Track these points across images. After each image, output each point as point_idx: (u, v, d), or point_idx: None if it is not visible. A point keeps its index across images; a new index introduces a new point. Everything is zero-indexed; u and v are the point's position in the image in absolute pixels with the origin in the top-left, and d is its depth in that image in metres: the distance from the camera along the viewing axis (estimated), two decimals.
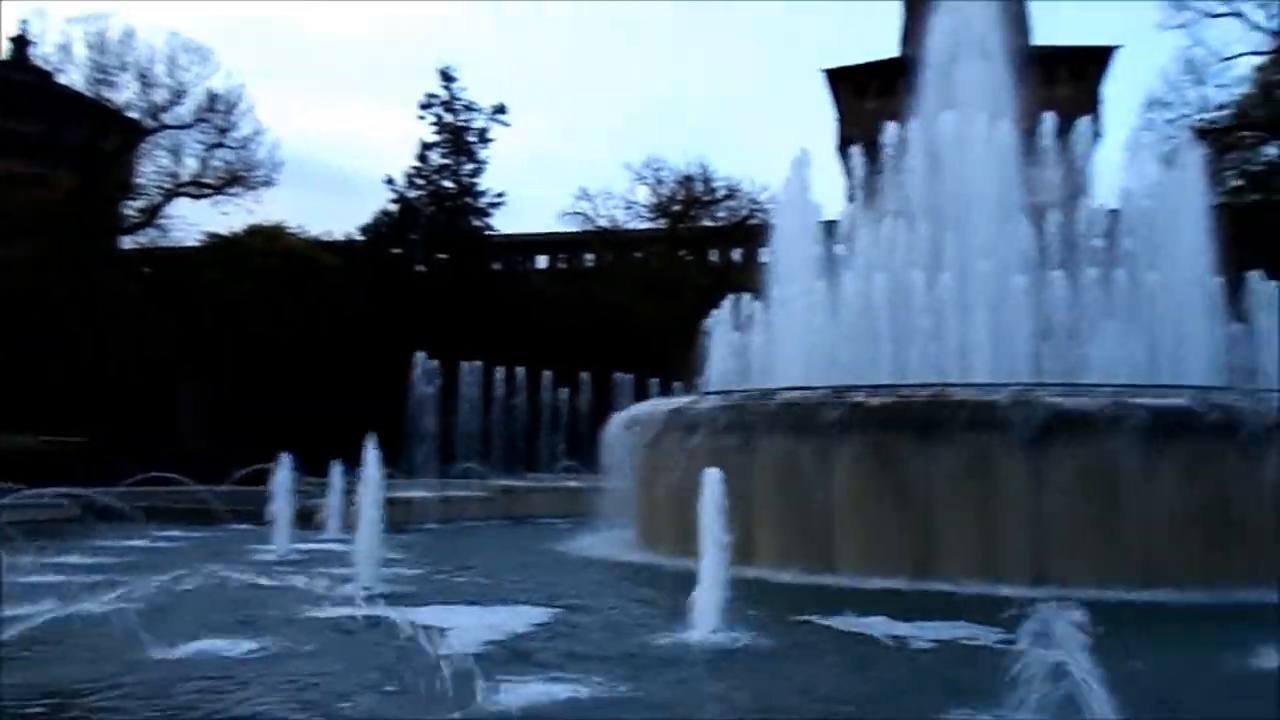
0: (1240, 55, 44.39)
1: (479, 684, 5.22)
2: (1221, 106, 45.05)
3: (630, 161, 55.85)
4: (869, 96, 52.46)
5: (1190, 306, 15.38)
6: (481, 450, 27.54)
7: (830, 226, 19.04)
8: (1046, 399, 10.59)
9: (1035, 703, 4.01)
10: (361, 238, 47.67)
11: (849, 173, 20.24)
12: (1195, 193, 16.82)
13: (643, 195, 53.72)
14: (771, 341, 16.89)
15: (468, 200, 47.66)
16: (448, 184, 47.60)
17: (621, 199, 53.64)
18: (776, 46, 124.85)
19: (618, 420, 15.28)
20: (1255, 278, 16.09)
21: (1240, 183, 45.52)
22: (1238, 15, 43.15)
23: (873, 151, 18.42)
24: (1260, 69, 45.02)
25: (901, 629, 7.81)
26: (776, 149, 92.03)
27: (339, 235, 48.63)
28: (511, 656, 6.70)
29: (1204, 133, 44.14)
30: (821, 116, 55.99)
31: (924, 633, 7.68)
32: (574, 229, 54.43)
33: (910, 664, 6.90)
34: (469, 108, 47.30)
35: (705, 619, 7.34)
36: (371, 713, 5.43)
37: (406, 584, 10.42)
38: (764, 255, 20.16)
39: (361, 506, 10.88)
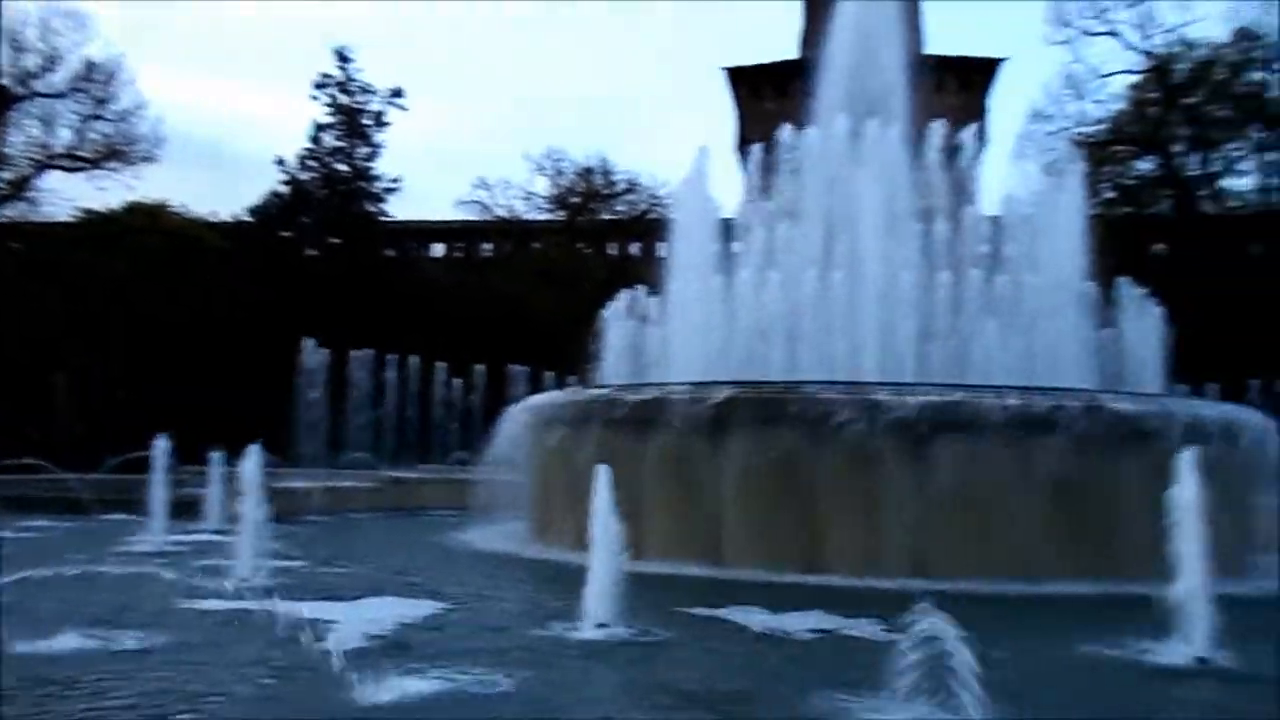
0: (1117, 73, 46.64)
1: (359, 679, 5.13)
2: (1099, 121, 47.23)
3: (530, 152, 55.36)
4: (768, 97, 53.23)
5: (1065, 311, 16.10)
6: (372, 440, 27.05)
7: (729, 224, 19.29)
8: (933, 399, 10.94)
9: (907, 689, 4.14)
10: (250, 219, 46.20)
11: (747, 172, 20.47)
12: (1073, 203, 17.60)
13: (542, 186, 53.47)
14: (668, 336, 17.04)
15: (362, 184, 46.64)
16: (341, 167, 46.50)
17: (520, 189, 53.27)
18: (679, 42, 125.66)
19: (512, 412, 15.19)
20: (1124, 285, 16.90)
21: (1114, 195, 47.79)
22: (1115, 35, 45.32)
23: (771, 151, 18.73)
24: (1134, 87, 47.34)
25: (785, 621, 7.98)
26: (678, 145, 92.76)
27: (226, 216, 47.01)
28: (395, 650, 6.60)
29: (1082, 145, 46.21)
30: (723, 114, 56.56)
31: (807, 624, 7.87)
32: (472, 218, 53.79)
33: (791, 655, 7.06)
34: (365, 89, 46.29)
35: (594, 613, 7.36)
36: (247, 710, 5.29)
37: (289, 577, 10.14)
38: (662, 250, 20.27)
39: (243, 496, 10.55)
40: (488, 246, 54.88)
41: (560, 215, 52.94)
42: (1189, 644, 6.66)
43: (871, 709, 4.97)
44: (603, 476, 7.45)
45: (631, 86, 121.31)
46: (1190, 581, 6.67)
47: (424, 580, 10.47)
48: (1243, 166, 46.00)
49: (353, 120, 46.16)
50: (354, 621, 7.38)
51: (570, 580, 7.79)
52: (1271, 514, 13.59)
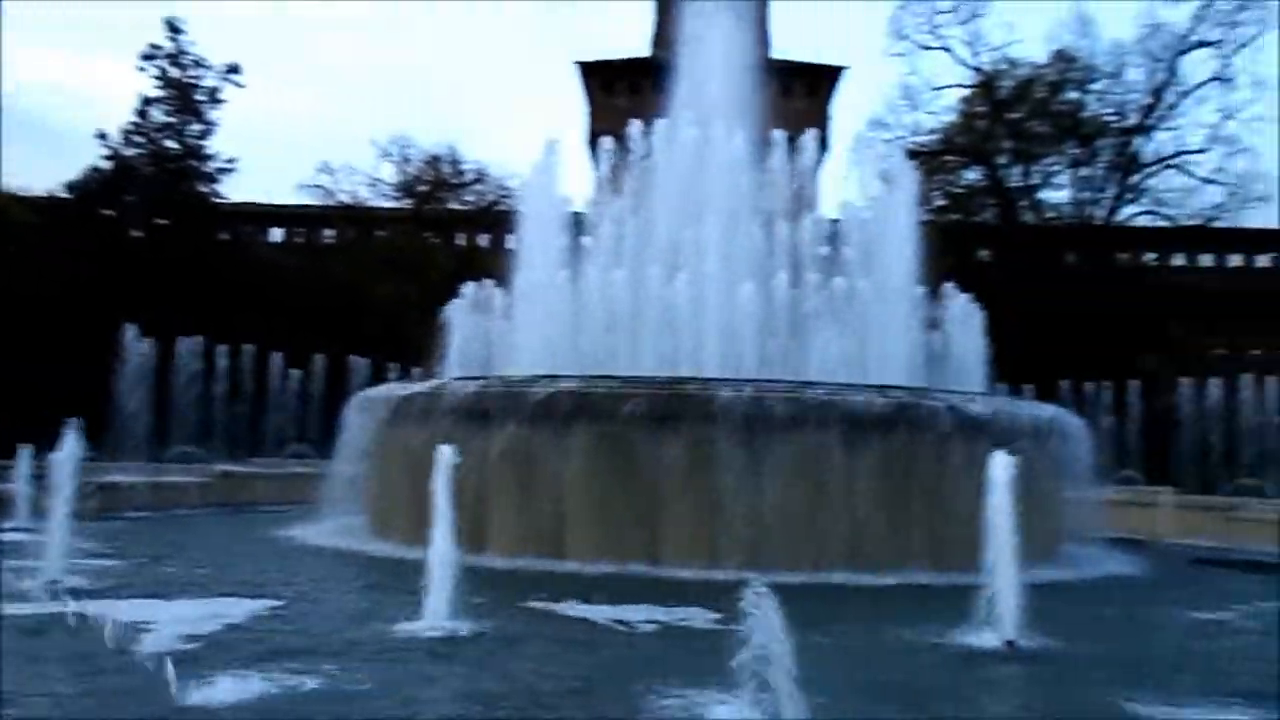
0: (949, 86, 49.04)
1: (174, 681, 4.90)
2: (931, 132, 49.56)
3: (376, 137, 53.88)
4: (619, 92, 53.54)
5: (896, 313, 16.84)
6: (201, 433, 25.74)
7: (578, 218, 19.30)
8: (769, 394, 11.25)
9: (732, 678, 4.26)
10: (68, 195, 43.16)
11: (598, 166, 20.54)
12: (905, 209, 18.42)
13: (388, 173, 52.04)
14: (514, 329, 16.93)
15: (194, 163, 44.25)
16: (171, 144, 44.00)
17: (366, 175, 51.68)
18: (533, 33, 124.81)
19: (353, 404, 14.78)
20: (950, 289, 17.79)
21: (944, 203, 50.28)
22: (947, 50, 47.63)
23: (621, 147, 18.85)
24: (964, 100, 49.92)
25: (625, 613, 8.08)
26: (529, 136, 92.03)
27: (40, 191, 43.77)
28: (218, 651, 6.34)
29: (916, 155, 48.43)
30: (575, 107, 56.57)
31: (645, 616, 7.98)
32: (313, 202, 51.94)
33: (630, 646, 7.16)
34: (199, 63, 43.87)
35: (434, 608, 7.25)
36: (52, 714, 4.96)
37: (107, 576, 9.58)
38: (511, 242, 20.11)
39: (54, 490, 9.85)
40: (330, 233, 53.14)
41: (407, 203, 51.74)
42: (1000, 629, 7.09)
43: (698, 700, 5.09)
44: (443, 471, 7.35)
45: (483, 76, 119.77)
46: (1002, 570, 7.10)
47: (254, 578, 10.06)
48: (1059, 180, 49.19)
49: (184, 95, 43.71)
50: (174, 622, 7.04)
51: (410, 576, 7.65)
52: (1083, 505, 14.65)
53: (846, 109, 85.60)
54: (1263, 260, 60.38)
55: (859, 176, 20.89)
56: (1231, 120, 45.17)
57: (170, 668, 4.93)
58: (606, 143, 20.28)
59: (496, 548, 11.38)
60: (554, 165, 18.02)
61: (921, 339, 17.27)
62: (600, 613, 8.14)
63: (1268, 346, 54.25)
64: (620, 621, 7.84)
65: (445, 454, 7.48)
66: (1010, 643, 7.02)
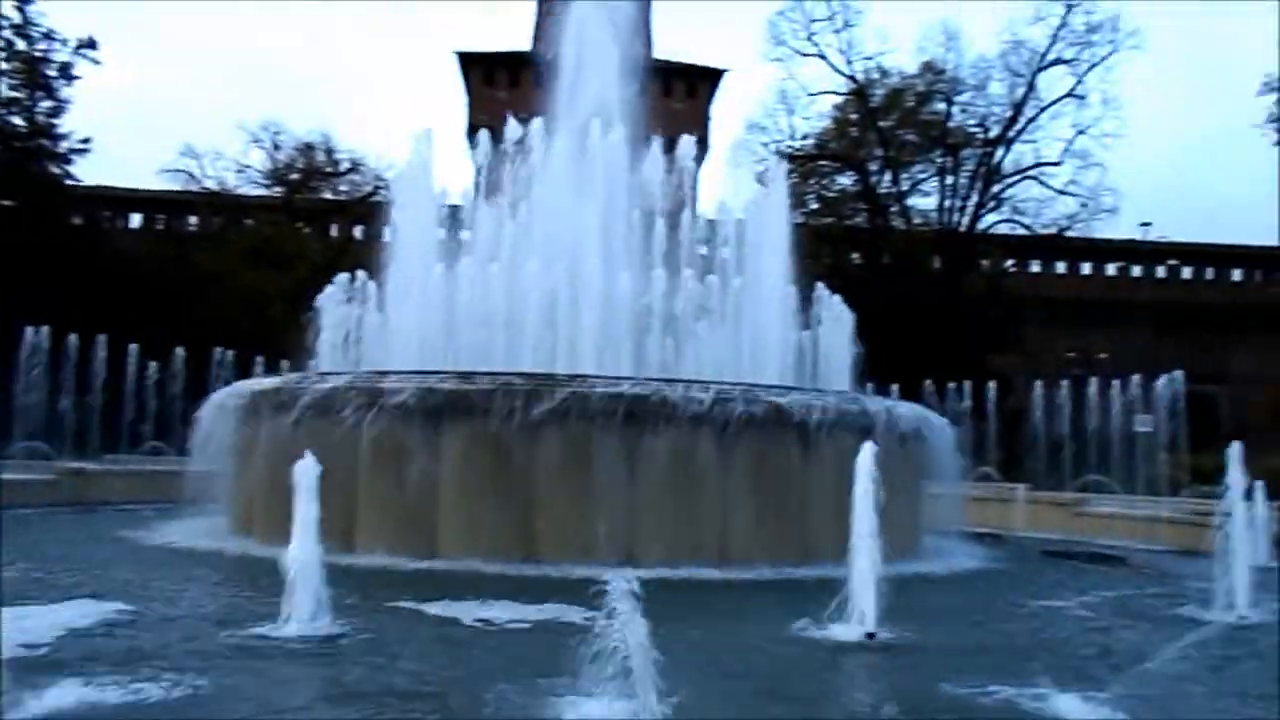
0: (824, 93, 50.37)
1: (7, 691, 4.62)
2: (806, 137, 50.82)
3: (246, 122, 51.89)
4: (499, 85, 53.06)
5: (770, 312, 17.18)
6: (48, 428, 24.30)
7: (455, 211, 19.02)
8: (643, 391, 11.32)
9: (605, 674, 4.28)
10: None
11: (476, 159, 20.29)
12: (780, 211, 18.81)
13: (258, 159, 50.20)
14: (388, 323, 16.58)
15: (44, 142, 41.84)
16: (18, 121, 41.50)
17: (233, 161, 49.72)
18: (415, 22, 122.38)
19: (215, 399, 14.22)
20: (821, 290, 18.25)
21: (818, 206, 51.60)
22: (823, 57, 48.90)
23: (500, 140, 18.67)
24: (838, 108, 51.33)
25: (496, 612, 8.01)
26: (408, 126, 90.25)
27: None
28: (61, 658, 6.01)
29: (791, 159, 49.61)
30: (456, 99, 55.78)
31: (517, 614, 7.94)
32: (176, 188, 49.71)
33: (498, 645, 7.11)
34: (49, 36, 41.47)
35: (299, 610, 7.04)
36: None
37: None
38: (386, 234, 19.69)
39: None
40: (194, 220, 51.04)
41: (277, 192, 50.05)
42: (861, 621, 7.32)
43: (560, 697, 5.09)
44: (308, 467, 7.14)
45: (362, 63, 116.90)
46: (863, 564, 7.33)
47: (107, 580, 9.57)
48: (927, 187, 51.10)
49: (32, 70, 41.25)
50: (15, 630, 6.62)
51: (274, 576, 7.40)
52: (945, 500, 15.26)
53: (727, 111, 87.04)
54: (1111, 269, 64.02)
55: (736, 178, 21.21)
56: (1084, 135, 47.81)
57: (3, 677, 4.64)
58: (486, 135, 20.06)
59: (366, 546, 11.13)
60: (430, 157, 17.73)
61: (794, 338, 17.67)
62: (471, 611, 8.05)
63: (1114, 350, 57.57)
64: (490, 620, 7.77)
65: (309, 450, 7.27)
66: (870, 634, 7.26)
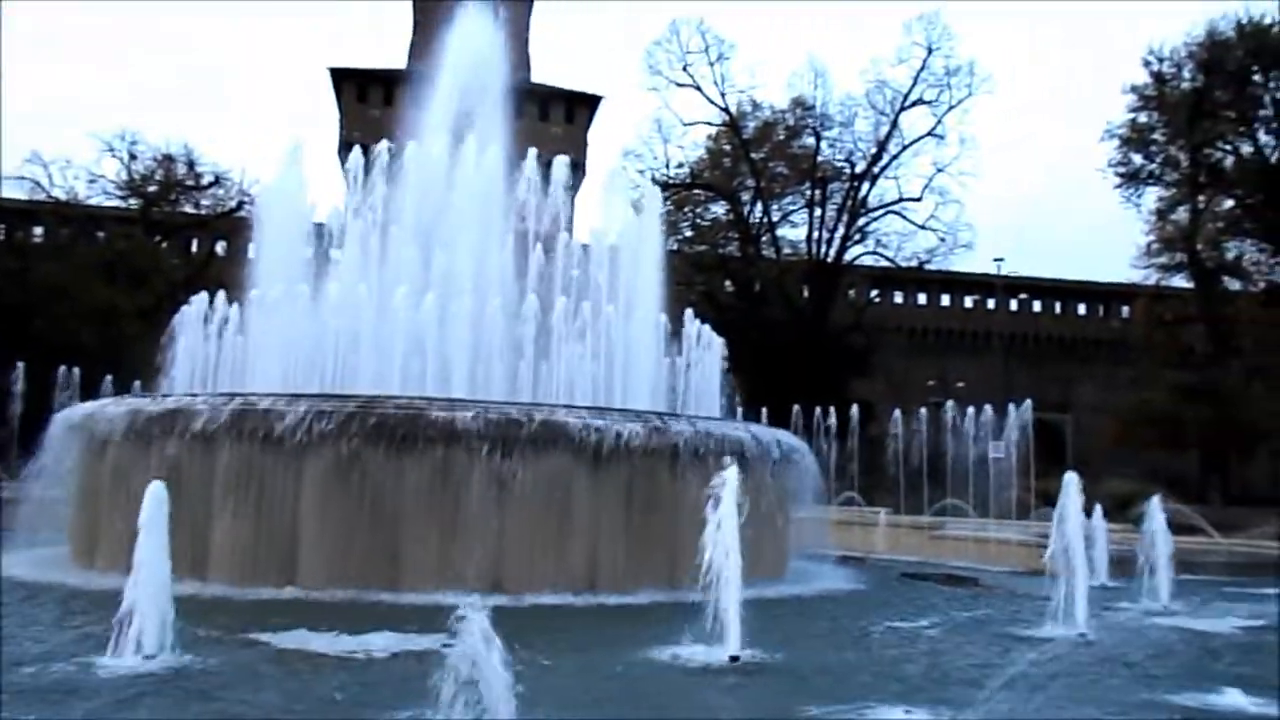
0: (698, 123, 51.40)
1: None
2: (681, 165, 51.72)
3: (100, 130, 49.51)
4: (373, 102, 52.15)
5: (642, 338, 17.33)
6: None
7: (323, 229, 18.55)
8: (508, 417, 11.23)
9: (461, 702, 4.23)
10: None
11: (348, 177, 19.87)
12: (653, 238, 19.03)
13: (112, 170, 47.91)
14: (249, 344, 16.01)
15: None
16: None
17: (85, 170, 47.31)
18: (287, 33, 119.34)
19: (60, 420, 13.46)
20: (690, 317, 18.49)
21: (691, 234, 52.49)
22: (697, 88, 49.94)
23: (372, 158, 18.34)
24: (712, 138, 52.46)
25: (354, 641, 7.80)
26: (279, 141, 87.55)
27: None
28: None
29: (666, 186, 50.40)
30: (328, 115, 54.56)
31: (377, 644, 7.74)
32: (20, 196, 46.93)
33: (355, 677, 6.91)
34: None
35: (144, 643, 6.71)
36: None
37: None
38: (251, 251, 19.06)
39: None
40: (39, 231, 48.27)
41: (133, 204, 47.85)
42: (725, 644, 7.43)
43: None
44: (155, 493, 6.83)
45: (231, 76, 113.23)
46: (728, 588, 7.44)
47: None
48: (797, 219, 52.63)
49: None
50: None
51: (117, 608, 7.02)
52: (810, 524, 15.63)
53: (605, 138, 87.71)
54: (968, 301, 67.04)
55: (611, 204, 21.36)
56: (943, 173, 50.14)
57: None
58: (357, 154, 19.69)
59: (222, 575, 10.69)
60: (299, 172, 17.26)
61: (665, 364, 17.86)
62: (327, 642, 7.82)
63: (971, 378, 60.22)
64: (347, 651, 7.56)
65: (157, 475, 6.96)
66: (734, 657, 7.37)
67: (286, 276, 16.25)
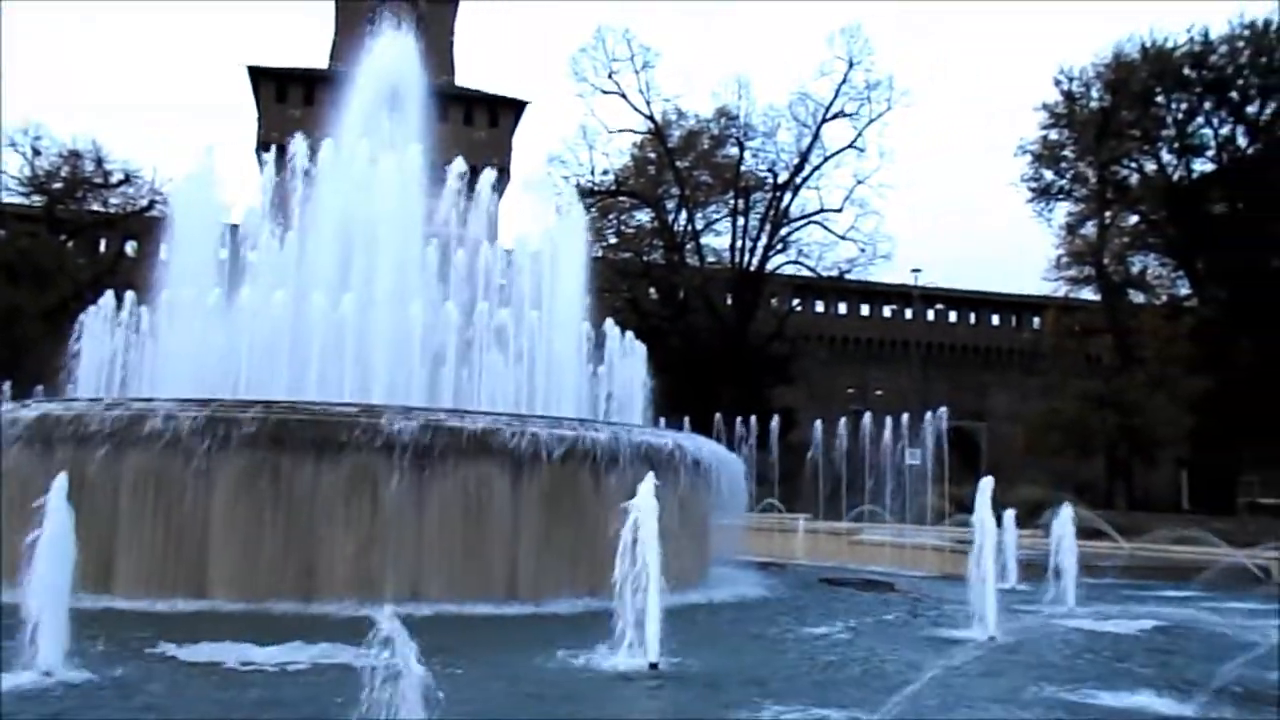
0: (623, 131, 51.54)
1: None
2: (606, 172, 51.80)
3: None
4: (292, 103, 51.20)
5: (565, 345, 17.27)
6: None
7: (237, 230, 18.11)
8: (427, 423, 11.08)
9: (378, 714, 4.15)
10: None
11: (265, 178, 19.45)
12: (577, 245, 19.00)
13: (15, 165, 46.10)
14: (159, 347, 15.55)
15: None
16: None
17: None
18: (205, 30, 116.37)
19: None
20: (611, 326, 18.50)
21: (616, 241, 52.57)
22: (623, 96, 50.08)
23: (291, 160, 17.96)
24: (638, 146, 52.66)
25: (266, 654, 7.59)
26: (195, 140, 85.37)
27: None
28: None
29: (590, 193, 50.42)
30: (247, 114, 53.36)
31: (289, 657, 7.56)
32: None
33: (265, 690, 6.73)
34: None
35: (42, 658, 6.45)
36: None
37: None
38: (163, 252, 18.52)
39: None
40: None
41: (36, 201, 46.12)
42: (645, 651, 7.42)
43: None
44: (54, 501, 6.57)
45: (142, 68, 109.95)
46: (648, 594, 7.44)
47: None
48: (720, 227, 53.08)
49: None
50: None
51: (13, 621, 6.73)
52: (732, 531, 15.73)
53: (529, 143, 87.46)
54: (886, 311, 68.38)
55: (536, 210, 21.30)
56: (863, 185, 51.11)
57: None
58: (275, 154, 19.28)
59: (128, 587, 10.34)
60: (211, 172, 16.83)
61: (588, 372, 17.82)
62: (237, 654, 7.60)
63: (889, 387, 61.42)
64: (257, 663, 7.36)
65: (59, 483, 6.69)
66: (653, 664, 7.37)
67: (199, 278, 15.83)
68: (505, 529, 11.44)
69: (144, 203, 46.42)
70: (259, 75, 52.59)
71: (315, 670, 7.26)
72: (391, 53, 18.21)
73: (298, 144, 17.49)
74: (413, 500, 10.92)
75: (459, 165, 18.87)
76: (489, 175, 20.06)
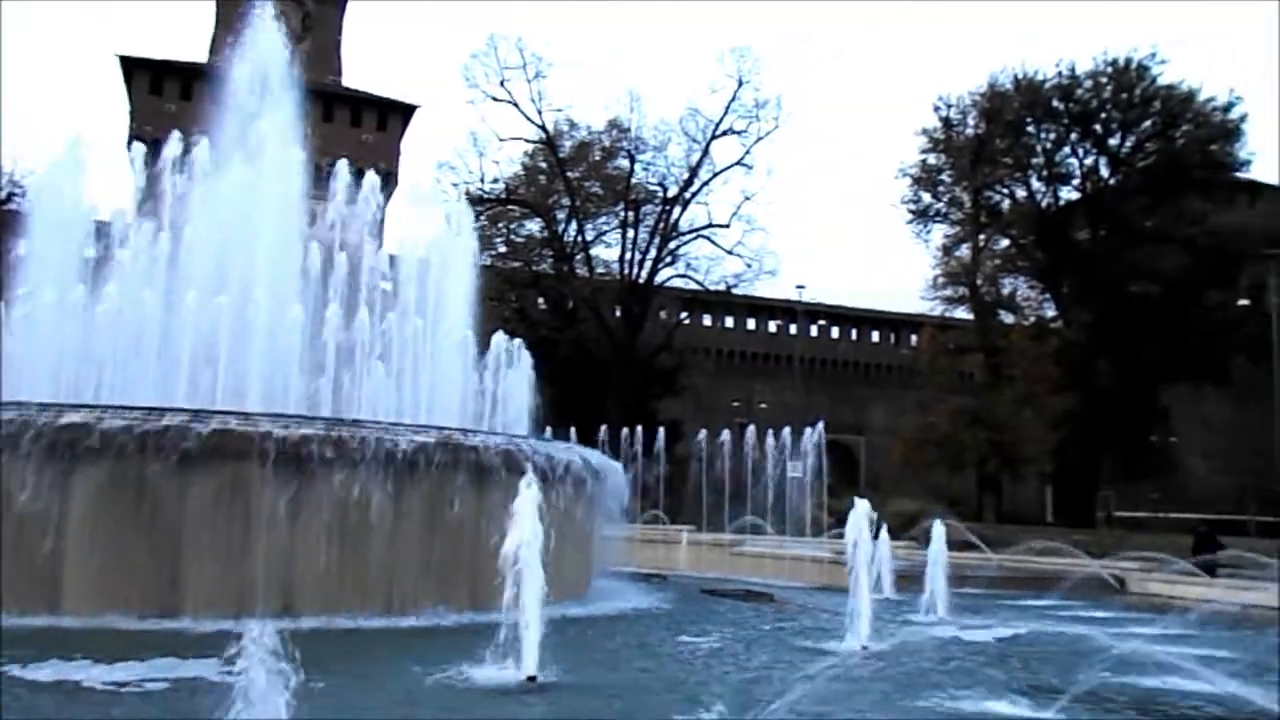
0: (514, 139, 51.27)
1: None
2: (496, 180, 51.42)
3: None
4: (168, 96, 49.30)
5: (450, 354, 17.02)
6: None
7: (105, 228, 17.29)
8: (304, 432, 10.76)
9: None
10: None
11: (136, 174, 18.64)
12: (465, 252, 18.76)
13: None
14: (13, 349, 14.69)
15: None
16: None
17: None
18: (72, 16, 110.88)
19: None
20: (499, 336, 18.33)
21: (505, 250, 52.22)
22: (514, 104, 49.80)
23: (165, 156, 17.23)
24: (529, 155, 52.44)
25: (123, 673, 7.22)
26: (60, 130, 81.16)
27: None
28: None
29: (480, 201, 49.97)
30: (119, 106, 51.06)
31: (147, 674, 7.20)
32: None
33: (130, 709, 6.41)
34: None
35: None
36: None
37: None
38: (22, 247, 17.54)
39: None
40: None
41: None
42: (523, 664, 7.34)
43: None
44: None
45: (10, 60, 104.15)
46: (526, 607, 7.36)
47: None
48: (610, 239, 53.29)
49: None
50: None
51: None
52: (615, 543, 15.73)
53: (418, 148, 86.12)
54: (772, 326, 69.73)
55: (423, 216, 20.99)
56: (750, 201, 52.08)
57: None
58: (147, 149, 18.49)
59: None
60: (77, 164, 16.00)
61: (473, 381, 17.60)
62: (92, 674, 7.20)
63: (773, 400, 62.56)
64: (116, 681, 6.99)
65: None
66: (531, 677, 7.29)
67: (61, 276, 15.05)
68: (384, 540, 11.17)
69: (2, 195, 43.96)
70: (132, 66, 50.48)
71: (174, 688, 6.94)
72: (274, 48, 17.66)
73: (173, 139, 16.79)
74: (286, 510, 10.56)
75: (343, 167, 18.43)
76: (374, 179, 19.65)
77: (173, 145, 16.57)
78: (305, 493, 10.65)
